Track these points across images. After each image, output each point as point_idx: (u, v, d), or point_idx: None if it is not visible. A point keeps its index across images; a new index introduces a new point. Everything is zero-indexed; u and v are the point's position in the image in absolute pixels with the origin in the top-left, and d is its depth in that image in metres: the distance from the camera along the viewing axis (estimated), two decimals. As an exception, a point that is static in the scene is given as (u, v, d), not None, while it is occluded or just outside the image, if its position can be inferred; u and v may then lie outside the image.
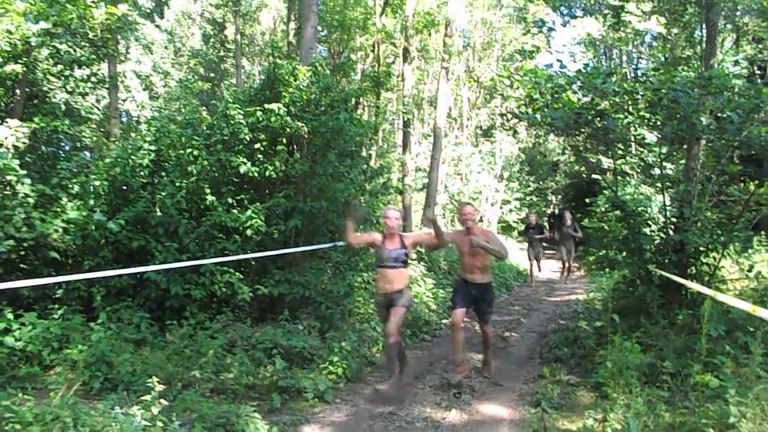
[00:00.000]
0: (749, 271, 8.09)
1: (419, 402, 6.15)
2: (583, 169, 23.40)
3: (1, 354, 5.98)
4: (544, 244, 20.34)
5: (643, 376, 5.74)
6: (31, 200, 7.05)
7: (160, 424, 4.40)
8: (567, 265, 17.26)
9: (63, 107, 9.86)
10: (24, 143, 7.41)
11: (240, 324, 7.39)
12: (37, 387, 5.77)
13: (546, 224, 24.31)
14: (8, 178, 6.80)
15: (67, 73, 9.49)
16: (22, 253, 7.29)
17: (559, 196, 33.63)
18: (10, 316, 6.38)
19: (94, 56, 9.68)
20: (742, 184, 8.13)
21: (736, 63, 16.11)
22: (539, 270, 17.71)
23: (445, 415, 5.77)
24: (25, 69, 8.14)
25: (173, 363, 6.29)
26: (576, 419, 5.41)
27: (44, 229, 7.09)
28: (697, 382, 4.90)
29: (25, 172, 7.02)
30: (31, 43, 7.90)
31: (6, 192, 6.89)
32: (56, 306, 6.96)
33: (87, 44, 9.60)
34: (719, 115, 7.21)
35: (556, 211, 27.56)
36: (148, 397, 4.57)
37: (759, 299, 7.35)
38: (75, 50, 9.13)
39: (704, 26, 9.56)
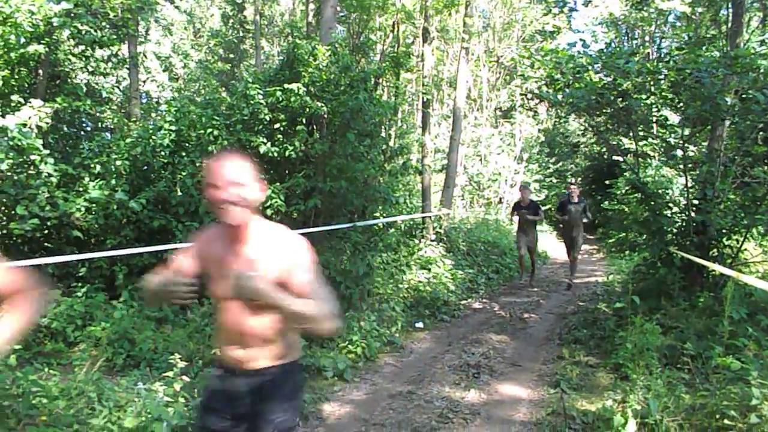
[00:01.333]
0: (772, 253, 8.02)
1: (438, 381, 6.18)
2: (603, 150, 23.19)
3: (27, 330, 6.07)
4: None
5: (664, 358, 5.73)
6: (54, 180, 7.13)
7: (182, 400, 4.46)
8: (571, 258, 12.57)
9: (84, 88, 9.90)
10: (47, 123, 7.47)
11: (260, 303, 7.43)
12: (62, 363, 5.87)
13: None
14: (32, 157, 6.87)
15: (88, 53, 9.54)
16: (46, 231, 7.39)
17: (579, 178, 33.36)
18: (35, 293, 6.47)
19: (114, 37, 9.72)
20: (766, 166, 8.02)
21: (763, 42, 15.81)
22: (532, 264, 12.93)
23: (464, 395, 5.79)
24: (47, 49, 8.18)
25: (194, 341, 6.36)
26: (595, 400, 5.41)
27: (67, 208, 7.17)
28: (718, 364, 4.88)
29: (48, 151, 7.09)
30: (53, 23, 7.94)
31: (30, 171, 6.97)
32: (79, 284, 7.06)
33: (107, 25, 9.64)
34: (744, 95, 7.10)
35: None
36: (170, 374, 4.63)
37: (782, 282, 7.28)
38: (96, 31, 9.16)
39: (730, 5, 9.40)
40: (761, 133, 7.96)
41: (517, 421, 5.18)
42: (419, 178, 15.22)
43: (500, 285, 12.78)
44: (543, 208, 12.86)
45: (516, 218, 12.79)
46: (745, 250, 7.99)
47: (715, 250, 7.52)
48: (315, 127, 8.67)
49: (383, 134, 11.27)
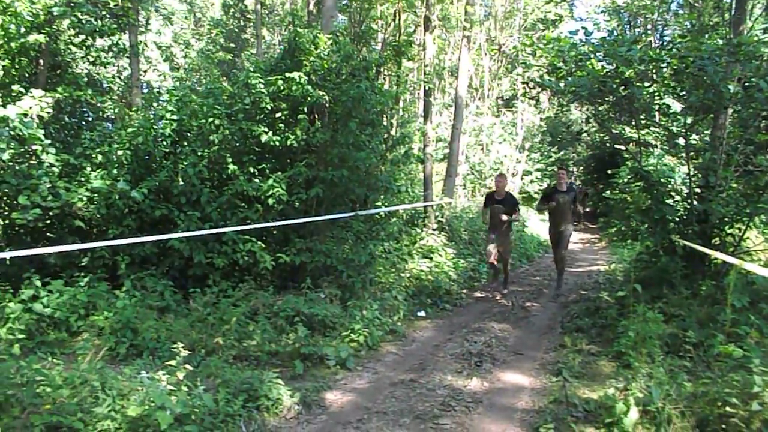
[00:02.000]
0: (775, 242, 8.01)
1: (440, 370, 6.19)
2: (606, 139, 23.12)
3: (30, 320, 6.09)
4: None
5: (665, 346, 5.73)
6: (56, 170, 7.13)
7: (185, 388, 4.47)
8: (558, 258, 10.42)
9: (85, 78, 9.88)
10: (48, 113, 7.45)
11: (262, 292, 7.45)
12: (65, 352, 5.89)
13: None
14: (34, 147, 6.87)
15: (88, 43, 9.52)
16: (48, 221, 7.41)
17: (581, 167, 33.30)
18: (38, 283, 6.49)
19: (115, 26, 9.70)
20: (769, 155, 7.99)
21: (766, 30, 15.73)
22: (505, 275, 10.47)
23: (466, 383, 5.80)
24: (47, 39, 8.16)
25: (197, 330, 6.38)
26: (597, 388, 5.42)
27: (69, 198, 7.18)
28: (720, 352, 4.88)
29: (49, 141, 7.09)
30: (53, 13, 7.92)
31: (32, 161, 6.98)
32: (82, 274, 7.07)
33: (108, 14, 9.62)
34: (747, 83, 7.07)
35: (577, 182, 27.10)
36: (173, 363, 4.64)
37: (785, 270, 7.27)
38: (96, 20, 9.14)
39: (733, -8, 9.32)
40: (764, 121, 7.92)
41: (519, 408, 5.19)
42: (421, 167, 15.20)
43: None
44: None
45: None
46: (748, 238, 7.98)
47: (717, 238, 7.51)
48: (316, 116, 8.64)
49: (385, 123, 11.23)
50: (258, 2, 20.95)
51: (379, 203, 10.32)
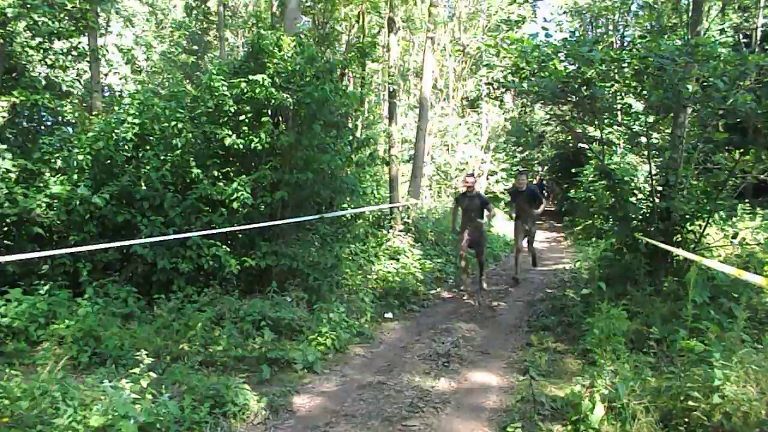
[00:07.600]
0: (734, 237, 8.18)
1: (408, 371, 6.19)
2: (569, 139, 23.40)
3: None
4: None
5: (630, 343, 5.81)
6: (12, 175, 6.97)
7: (149, 396, 4.40)
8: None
9: (43, 81, 9.68)
10: (3, 117, 7.29)
11: (228, 297, 7.38)
12: (24, 362, 5.75)
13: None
14: (-11, 152, 6.70)
15: (46, 45, 9.32)
16: (6, 228, 7.23)
17: (546, 167, 33.65)
18: (-5, 292, 6.33)
19: (73, 28, 9.51)
20: (727, 153, 8.16)
21: (722, 31, 16.10)
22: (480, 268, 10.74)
23: (434, 384, 5.81)
24: (1, 41, 7.98)
25: (161, 337, 6.28)
26: (564, 386, 5.47)
27: (27, 205, 7.01)
28: (682, 347, 4.96)
29: (5, 146, 6.93)
30: (6, 14, 7.74)
31: (-13, 167, 6.80)
32: (42, 282, 6.89)
33: (66, 16, 9.43)
34: (705, 83, 7.21)
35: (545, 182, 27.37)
36: (137, 371, 4.56)
37: (743, 265, 7.45)
38: (53, 22, 8.95)
39: (691, -6, 9.50)
40: (722, 120, 8.08)
41: (487, 408, 5.22)
42: (386, 169, 15.21)
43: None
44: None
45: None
46: (708, 234, 8.13)
47: (678, 235, 7.64)
48: (281, 118, 8.58)
49: (350, 125, 11.19)
50: (221, 4, 20.76)
51: (345, 205, 10.29)
